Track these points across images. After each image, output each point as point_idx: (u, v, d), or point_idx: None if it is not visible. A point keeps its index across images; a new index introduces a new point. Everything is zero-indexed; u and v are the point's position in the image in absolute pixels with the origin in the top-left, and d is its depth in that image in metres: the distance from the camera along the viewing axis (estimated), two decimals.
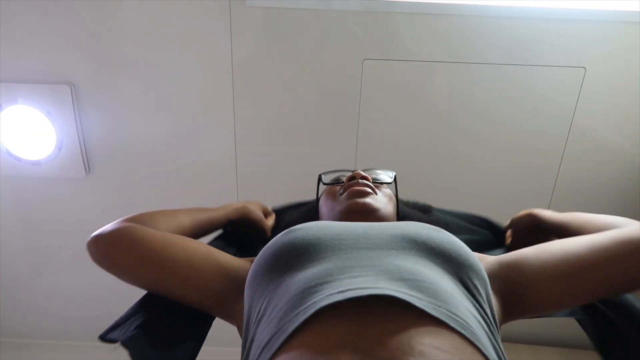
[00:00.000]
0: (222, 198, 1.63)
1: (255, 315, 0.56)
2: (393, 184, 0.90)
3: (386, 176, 0.91)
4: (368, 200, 0.79)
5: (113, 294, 1.72)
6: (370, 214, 0.77)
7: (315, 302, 0.47)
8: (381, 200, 0.81)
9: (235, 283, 0.67)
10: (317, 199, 0.92)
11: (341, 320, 0.45)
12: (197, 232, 0.82)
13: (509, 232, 0.93)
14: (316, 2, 1.35)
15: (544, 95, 1.46)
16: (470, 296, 0.55)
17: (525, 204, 1.65)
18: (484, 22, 1.38)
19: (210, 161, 1.58)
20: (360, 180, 0.82)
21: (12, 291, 1.80)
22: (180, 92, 1.49)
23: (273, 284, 0.57)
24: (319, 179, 0.92)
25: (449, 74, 1.45)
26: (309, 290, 0.50)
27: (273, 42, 1.42)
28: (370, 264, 0.54)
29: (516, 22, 1.37)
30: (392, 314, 0.45)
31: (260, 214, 0.94)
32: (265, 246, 0.64)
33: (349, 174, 0.87)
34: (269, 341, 0.48)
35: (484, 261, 0.67)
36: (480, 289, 0.57)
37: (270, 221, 0.97)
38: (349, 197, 0.80)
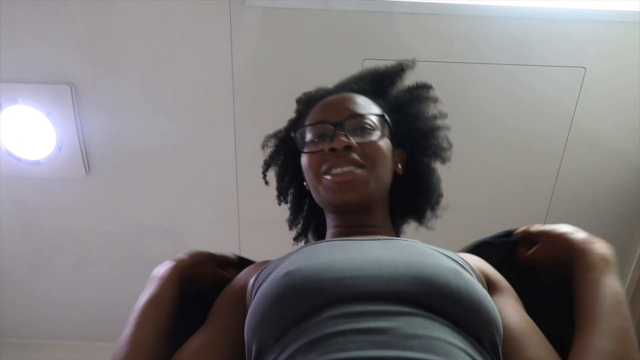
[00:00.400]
0: (222, 198, 1.64)
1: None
2: (386, 124, 0.77)
3: (372, 124, 0.76)
4: (355, 191, 0.70)
5: (112, 294, 1.73)
6: (362, 202, 0.72)
7: None
8: (370, 178, 0.72)
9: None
10: (300, 153, 0.80)
11: None
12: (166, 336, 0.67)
13: (525, 231, 0.79)
14: (316, 2, 1.35)
15: (544, 95, 1.46)
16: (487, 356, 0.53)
17: (525, 204, 1.66)
18: (484, 22, 1.38)
19: (210, 161, 1.58)
20: (344, 158, 0.71)
21: (12, 291, 1.79)
22: (180, 91, 1.49)
23: (282, 335, 0.54)
24: (295, 136, 0.79)
25: (449, 74, 1.45)
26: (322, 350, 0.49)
27: (273, 42, 1.42)
28: (379, 326, 0.50)
29: (516, 22, 1.37)
30: None
31: (207, 270, 0.77)
32: (264, 288, 0.59)
33: (328, 127, 0.74)
34: None
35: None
36: (498, 344, 0.55)
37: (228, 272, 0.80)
38: (334, 184, 0.71)
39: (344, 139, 0.72)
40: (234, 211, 1.64)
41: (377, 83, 0.87)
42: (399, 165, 0.82)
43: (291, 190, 0.91)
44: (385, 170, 0.76)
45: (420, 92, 0.86)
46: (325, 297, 0.54)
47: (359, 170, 0.72)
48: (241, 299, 0.70)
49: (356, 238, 0.69)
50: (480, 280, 0.65)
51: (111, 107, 1.51)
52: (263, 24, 1.40)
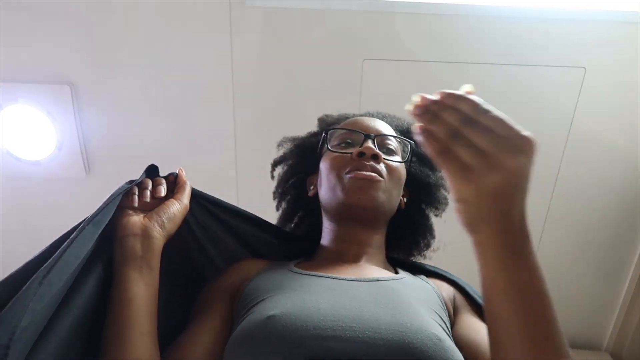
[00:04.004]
0: (222, 197, 1.63)
1: None
2: (407, 157, 0.81)
3: (400, 150, 0.80)
4: (372, 193, 0.72)
5: None
6: (373, 209, 0.73)
7: None
8: (387, 190, 0.74)
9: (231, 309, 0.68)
10: (319, 155, 0.82)
11: None
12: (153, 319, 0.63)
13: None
14: (316, 2, 1.35)
15: (544, 95, 1.46)
16: None
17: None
18: (484, 22, 1.38)
19: (210, 161, 1.58)
20: (368, 163, 0.73)
21: None
22: (180, 91, 1.49)
23: None
24: (325, 136, 0.81)
25: (449, 74, 1.45)
26: None
27: (273, 42, 1.42)
28: None
29: (516, 22, 1.37)
30: None
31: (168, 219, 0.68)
32: (246, 325, 0.58)
33: (360, 136, 0.77)
34: None
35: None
36: None
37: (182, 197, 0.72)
38: (353, 183, 0.72)
39: (373, 147, 0.74)
40: None
41: (404, 127, 0.89)
42: (404, 199, 0.83)
43: (288, 197, 0.91)
44: (398, 194, 0.79)
45: None
46: (303, 354, 0.53)
47: (379, 179, 0.73)
48: (229, 296, 0.70)
49: (343, 277, 0.67)
50: (448, 312, 0.68)
51: (111, 107, 1.51)
52: (263, 24, 1.40)
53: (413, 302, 0.62)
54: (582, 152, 1.52)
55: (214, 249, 0.80)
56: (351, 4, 1.35)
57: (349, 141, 0.78)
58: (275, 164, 0.93)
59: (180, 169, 0.75)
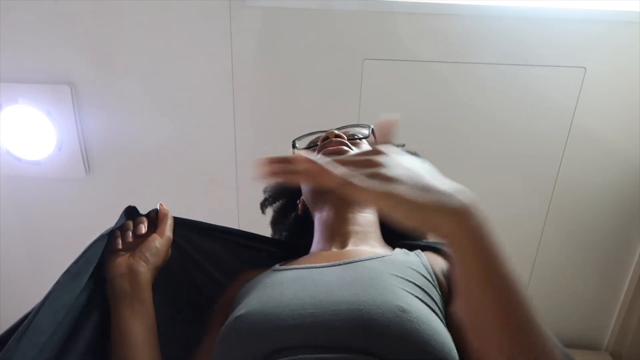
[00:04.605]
0: (222, 197, 1.64)
1: None
2: (371, 136, 0.85)
3: (363, 130, 0.87)
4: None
5: None
6: None
7: None
8: None
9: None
10: None
11: None
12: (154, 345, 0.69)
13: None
14: (316, 2, 1.35)
15: (544, 95, 1.46)
16: None
17: (524, 205, 1.66)
18: (484, 22, 1.38)
19: (210, 161, 1.58)
20: (334, 139, 0.79)
21: (12, 291, 1.79)
22: (180, 91, 1.49)
23: None
24: (293, 145, 0.88)
25: (449, 74, 1.45)
26: None
27: (273, 42, 1.42)
28: None
29: (516, 22, 1.37)
30: None
31: (154, 257, 0.72)
32: (222, 330, 0.60)
33: (322, 133, 0.84)
34: None
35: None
36: None
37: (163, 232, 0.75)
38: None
39: (335, 130, 0.81)
40: (234, 211, 1.64)
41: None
42: None
43: (285, 226, 0.94)
44: None
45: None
46: (268, 347, 0.54)
47: (347, 149, 0.77)
48: (228, 311, 0.71)
49: (317, 265, 0.67)
50: (440, 283, 0.64)
51: (111, 107, 1.51)
52: (263, 24, 1.40)
53: (386, 277, 0.60)
54: (582, 152, 1.52)
55: (215, 269, 0.82)
56: (351, 4, 1.35)
57: (316, 142, 0.84)
58: (263, 206, 0.96)
59: (160, 203, 0.78)
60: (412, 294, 0.57)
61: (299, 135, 0.90)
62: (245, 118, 1.51)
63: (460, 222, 0.45)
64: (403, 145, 0.95)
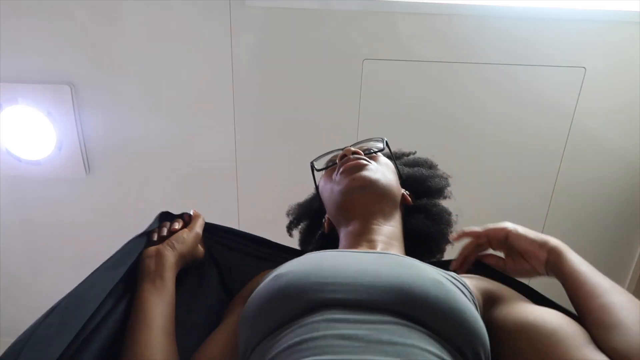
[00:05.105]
0: (222, 197, 1.64)
1: None
2: (387, 149, 0.89)
3: (377, 144, 0.90)
4: (364, 173, 0.78)
5: None
6: (370, 187, 0.77)
7: None
8: (378, 170, 0.80)
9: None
10: (317, 187, 0.91)
11: None
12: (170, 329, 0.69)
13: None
14: (316, 2, 1.35)
15: (544, 95, 1.46)
16: None
17: (525, 204, 1.66)
18: (484, 22, 1.38)
19: (210, 161, 1.58)
20: (352, 156, 0.81)
21: (12, 291, 1.80)
22: (180, 91, 1.49)
23: (265, 337, 0.57)
24: (312, 167, 0.91)
25: (449, 74, 1.45)
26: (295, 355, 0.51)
27: (273, 42, 1.42)
28: (357, 334, 0.51)
29: (516, 22, 1.37)
30: None
31: (183, 249, 0.76)
32: (256, 291, 0.63)
33: (339, 151, 0.87)
34: None
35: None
36: (482, 356, 0.55)
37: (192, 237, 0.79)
38: (345, 175, 0.79)
39: (351, 147, 0.84)
40: (234, 211, 1.64)
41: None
42: (407, 194, 0.86)
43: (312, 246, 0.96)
44: (391, 173, 0.83)
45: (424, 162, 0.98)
46: (307, 302, 0.56)
47: (365, 162, 0.80)
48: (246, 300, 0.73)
49: (352, 250, 0.70)
50: (474, 300, 0.64)
51: (111, 107, 1.51)
52: (263, 24, 1.40)
53: (419, 264, 0.63)
54: (582, 151, 1.52)
55: (241, 269, 0.85)
56: (351, 4, 1.35)
57: (334, 161, 0.88)
58: (289, 229, 0.98)
59: (194, 210, 0.85)
60: (445, 277, 0.61)
61: (315, 157, 0.93)
62: (245, 118, 1.51)
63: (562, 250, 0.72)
64: (414, 153, 0.98)
